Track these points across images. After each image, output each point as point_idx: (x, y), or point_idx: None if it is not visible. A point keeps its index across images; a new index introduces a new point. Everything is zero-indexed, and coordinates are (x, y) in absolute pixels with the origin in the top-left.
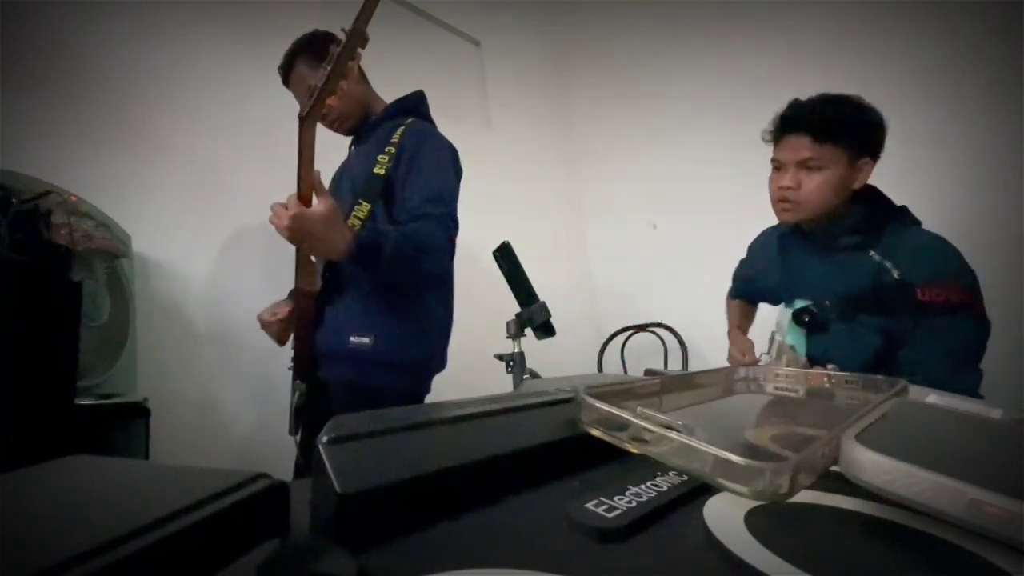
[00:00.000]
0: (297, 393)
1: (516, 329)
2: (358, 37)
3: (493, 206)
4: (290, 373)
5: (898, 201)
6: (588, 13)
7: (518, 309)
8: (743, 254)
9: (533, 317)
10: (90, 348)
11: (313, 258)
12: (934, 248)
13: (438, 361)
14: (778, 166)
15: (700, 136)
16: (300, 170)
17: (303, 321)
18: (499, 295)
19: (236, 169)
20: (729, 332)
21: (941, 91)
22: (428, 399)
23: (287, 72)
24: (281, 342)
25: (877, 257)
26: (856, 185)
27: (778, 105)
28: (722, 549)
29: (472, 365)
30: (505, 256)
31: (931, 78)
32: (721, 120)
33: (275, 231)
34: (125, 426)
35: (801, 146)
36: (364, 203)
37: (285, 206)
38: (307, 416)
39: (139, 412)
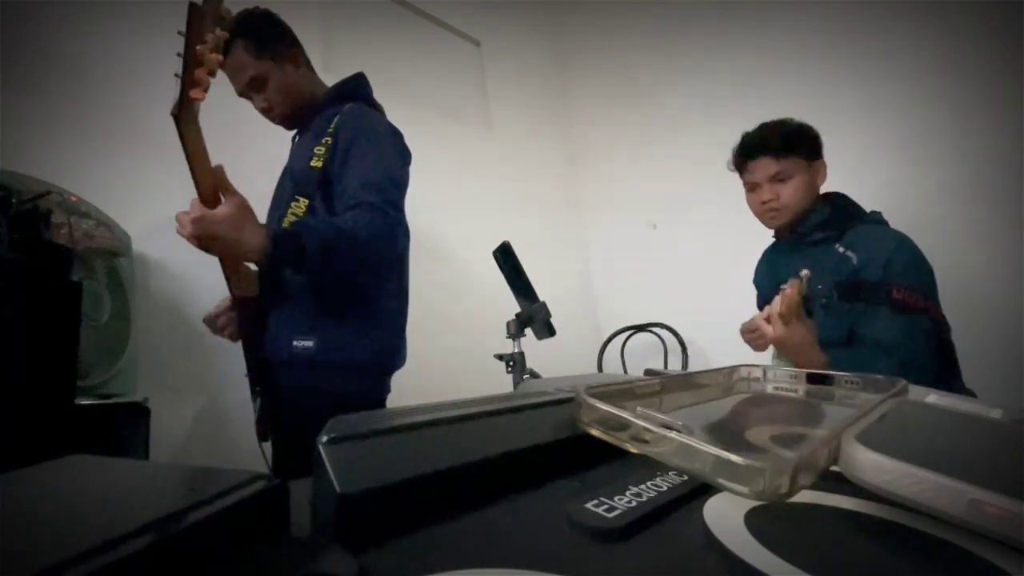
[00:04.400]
0: (258, 401)
1: (516, 329)
2: (198, 15)
3: (493, 206)
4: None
5: (897, 200)
6: (588, 13)
7: (518, 309)
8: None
9: (533, 317)
10: (90, 348)
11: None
12: (891, 243)
13: (393, 358)
14: (752, 187)
15: (700, 136)
16: (193, 171)
17: (247, 328)
18: (499, 295)
19: (236, 169)
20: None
21: (941, 91)
22: (420, 400)
23: (224, 53)
24: (234, 338)
25: (841, 249)
26: (820, 182)
27: (778, 104)
28: (722, 549)
29: (472, 365)
30: (505, 256)
31: (931, 78)
32: (721, 120)
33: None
34: (125, 426)
35: (768, 165)
36: (301, 199)
37: (187, 212)
38: (271, 424)
39: (139, 412)
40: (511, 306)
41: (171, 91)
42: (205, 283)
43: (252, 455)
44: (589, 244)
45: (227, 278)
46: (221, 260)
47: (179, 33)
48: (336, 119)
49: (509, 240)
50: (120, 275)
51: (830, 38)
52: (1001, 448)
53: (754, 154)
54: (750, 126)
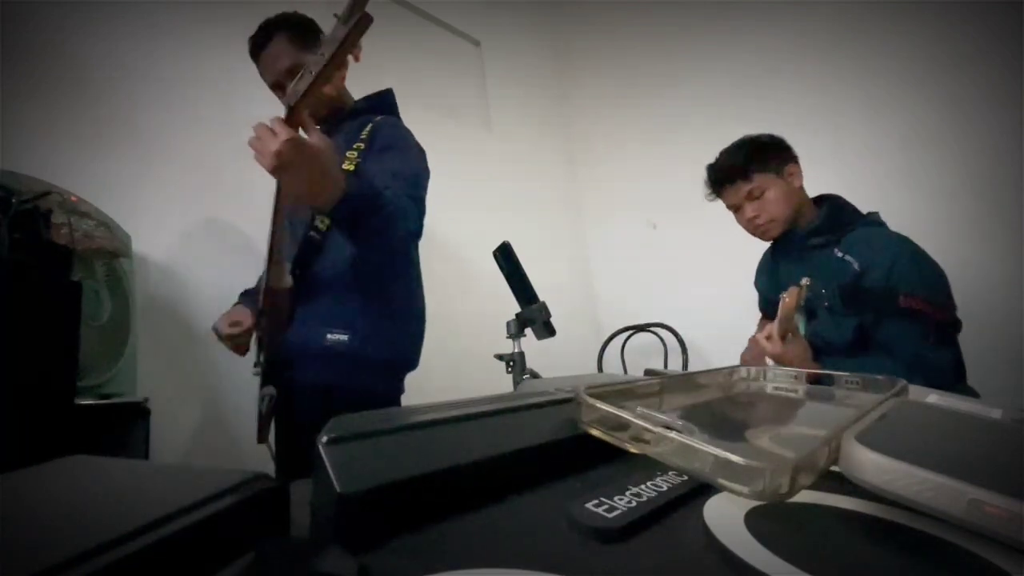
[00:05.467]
0: (267, 399)
1: (516, 329)
2: (367, 23)
3: (493, 206)
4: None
5: (898, 200)
6: (588, 13)
7: (518, 309)
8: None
9: (533, 317)
10: (90, 348)
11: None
12: (892, 247)
13: (414, 359)
14: (735, 209)
15: (700, 136)
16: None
17: (275, 321)
18: (499, 295)
19: (237, 169)
20: (750, 339)
21: (941, 92)
22: (420, 400)
23: (262, 44)
24: (241, 352)
25: (839, 253)
26: (798, 184)
27: (778, 104)
28: (722, 549)
29: (472, 365)
30: (505, 256)
31: (931, 79)
32: (721, 120)
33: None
34: (125, 426)
35: (739, 188)
36: None
37: (272, 130)
38: (280, 421)
39: (139, 412)
40: (511, 306)
41: (170, 91)
42: (205, 283)
43: (252, 455)
44: (589, 244)
45: (269, 263)
46: (279, 197)
47: (344, 37)
48: (369, 127)
49: (509, 240)
50: (120, 275)
51: (830, 38)
52: (1001, 448)
53: (722, 183)
54: (749, 126)
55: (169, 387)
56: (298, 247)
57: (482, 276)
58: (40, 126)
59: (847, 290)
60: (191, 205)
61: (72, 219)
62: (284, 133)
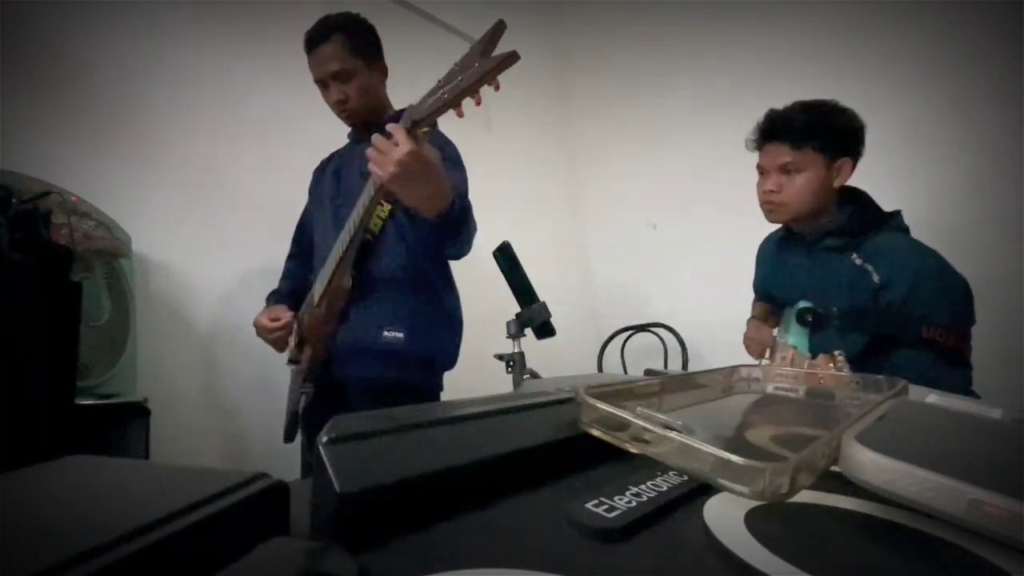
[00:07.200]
0: (304, 396)
1: (516, 329)
2: (514, 60)
3: (493, 206)
4: (289, 375)
5: (898, 201)
6: (588, 13)
7: (518, 309)
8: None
9: (533, 317)
10: (90, 348)
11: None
12: (916, 263)
13: (454, 359)
14: (762, 171)
15: (700, 136)
16: None
17: (329, 319)
18: (499, 295)
19: (236, 169)
20: (748, 321)
21: (942, 91)
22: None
23: (318, 41)
24: (280, 348)
25: (858, 260)
26: (837, 184)
27: (778, 105)
28: (722, 549)
29: (472, 365)
30: (505, 256)
31: (932, 78)
32: (721, 120)
33: (271, 228)
34: (125, 426)
35: (780, 152)
36: (385, 203)
37: (394, 141)
38: (315, 418)
39: (139, 412)
40: (511, 306)
41: (169, 91)
42: (205, 283)
43: (252, 455)
44: (589, 244)
45: (340, 265)
46: (370, 206)
47: (491, 70)
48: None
49: (509, 240)
50: (120, 275)
51: (830, 38)
52: (1001, 448)
53: (771, 136)
54: (749, 126)
55: (169, 387)
56: (355, 250)
57: (481, 276)
58: (40, 126)
59: (862, 305)
60: (191, 205)
61: (72, 219)
62: (406, 145)
